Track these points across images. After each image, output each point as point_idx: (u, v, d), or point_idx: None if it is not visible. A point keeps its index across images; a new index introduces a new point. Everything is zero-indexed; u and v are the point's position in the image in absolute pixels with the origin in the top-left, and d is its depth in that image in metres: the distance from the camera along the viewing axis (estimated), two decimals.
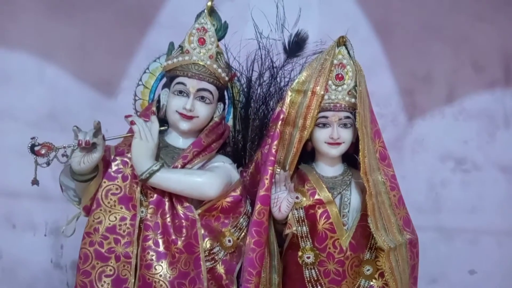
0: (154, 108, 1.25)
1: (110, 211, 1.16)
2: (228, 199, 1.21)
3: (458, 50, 1.85)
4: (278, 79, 1.44)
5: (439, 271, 1.86)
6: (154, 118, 1.19)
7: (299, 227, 1.22)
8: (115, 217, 1.15)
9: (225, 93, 1.36)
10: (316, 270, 1.20)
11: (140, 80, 1.34)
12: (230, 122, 1.39)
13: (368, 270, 1.21)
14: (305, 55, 1.45)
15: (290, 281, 1.26)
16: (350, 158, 1.31)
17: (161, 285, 1.10)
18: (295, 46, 1.42)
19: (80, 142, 1.07)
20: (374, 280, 1.22)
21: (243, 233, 1.23)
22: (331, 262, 1.20)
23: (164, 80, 1.31)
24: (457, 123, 1.87)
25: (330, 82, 1.21)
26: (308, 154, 1.32)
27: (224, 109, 1.34)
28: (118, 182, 1.17)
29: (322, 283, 1.20)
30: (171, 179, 1.13)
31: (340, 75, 1.21)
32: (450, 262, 1.88)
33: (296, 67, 1.45)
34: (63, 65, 1.78)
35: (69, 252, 1.80)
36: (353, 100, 1.22)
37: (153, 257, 1.11)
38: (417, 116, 1.86)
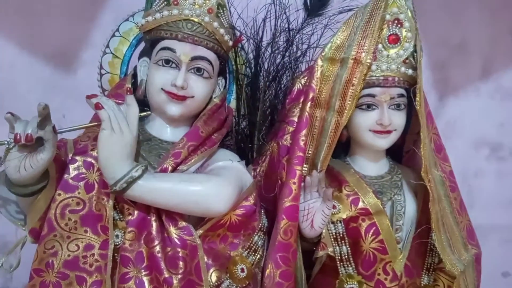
0: (129, 85, 0.88)
1: (69, 237, 0.80)
2: (239, 212, 0.86)
3: (497, 17, 1.57)
4: (294, 46, 1.09)
5: None
6: (131, 99, 0.82)
7: (337, 247, 0.90)
8: (77, 246, 0.80)
9: (227, 64, 1.01)
10: None
11: (107, 46, 0.99)
12: (232, 105, 1.05)
13: None
14: (328, 14, 1.10)
15: None
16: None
17: None
18: (318, 1, 1.07)
19: (18, 137, 0.71)
20: None
21: (259, 256, 0.89)
22: None
23: (142, 46, 0.96)
24: (494, 103, 1.60)
25: (380, 46, 0.88)
26: (338, 146, 0.98)
27: (225, 86, 0.99)
28: (79, 193, 0.81)
29: None
30: (160, 189, 0.78)
31: (394, 36, 0.88)
32: (483, 263, 1.62)
33: (317, 30, 1.10)
34: (5, 33, 1.36)
35: (21, 274, 1.41)
36: (410, 71, 0.90)
37: None
38: (449, 94, 1.57)
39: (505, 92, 1.61)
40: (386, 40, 0.88)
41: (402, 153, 1.04)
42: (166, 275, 0.77)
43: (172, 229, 0.80)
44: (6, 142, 0.73)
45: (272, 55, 1.07)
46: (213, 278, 0.82)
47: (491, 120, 1.61)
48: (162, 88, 0.86)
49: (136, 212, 0.80)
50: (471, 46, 1.57)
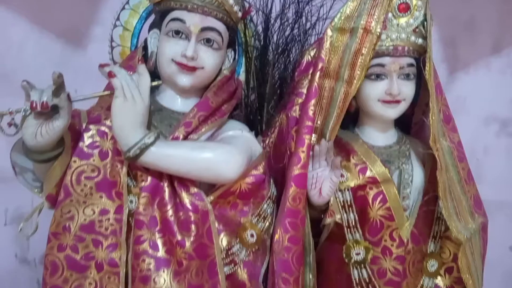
0: (140, 56, 0.90)
1: (85, 202, 0.82)
2: (248, 180, 0.88)
3: None
4: (303, 18, 1.09)
5: None
6: (142, 69, 0.83)
7: (345, 215, 0.92)
8: (93, 210, 0.82)
9: (236, 36, 1.01)
10: (368, 270, 0.92)
11: (118, 19, 0.99)
12: (242, 77, 1.05)
13: (433, 265, 0.95)
14: None
15: (329, 283, 0.97)
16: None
17: None
18: None
19: (34, 105, 0.73)
20: (439, 278, 0.96)
21: (268, 223, 0.91)
22: (388, 258, 0.92)
23: (152, 18, 0.96)
24: (504, 78, 1.59)
25: (390, 15, 0.88)
26: (347, 117, 0.99)
27: (234, 58, 0.99)
28: (94, 160, 0.84)
29: (376, 286, 0.92)
30: (173, 156, 0.80)
31: (404, 5, 0.88)
32: (490, 238, 1.64)
33: (327, 2, 1.10)
34: (16, 8, 1.37)
35: (38, 244, 1.46)
36: (420, 41, 0.90)
37: (151, 266, 0.79)
38: (459, 70, 1.57)
39: None
40: (396, 9, 0.88)
41: (411, 124, 1.05)
42: (179, 238, 0.80)
43: (184, 195, 0.82)
44: (22, 110, 0.75)
45: (281, 27, 1.07)
46: (224, 242, 0.85)
47: (501, 96, 1.60)
48: (172, 59, 0.87)
49: (149, 178, 0.82)
50: (481, 23, 1.56)
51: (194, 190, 0.83)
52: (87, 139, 0.84)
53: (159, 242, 0.80)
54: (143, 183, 0.83)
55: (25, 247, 1.51)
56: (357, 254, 0.91)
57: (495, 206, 1.62)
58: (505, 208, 1.64)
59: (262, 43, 1.08)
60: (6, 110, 0.75)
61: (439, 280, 0.95)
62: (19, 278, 1.51)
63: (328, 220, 0.92)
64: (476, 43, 1.57)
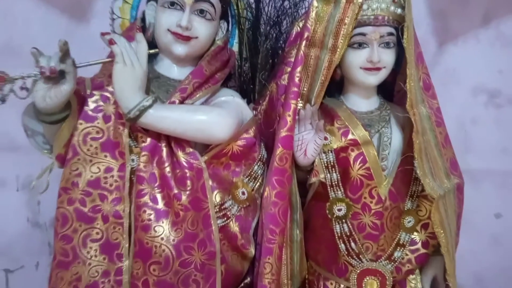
0: (139, 26, 0.96)
1: (91, 161, 0.91)
2: (240, 143, 0.96)
3: None
4: None
5: (464, 216, 1.70)
6: (140, 37, 0.90)
7: (328, 174, 1.00)
8: (98, 168, 0.91)
9: (229, 9, 1.07)
10: (349, 224, 1.00)
11: None
12: (235, 48, 1.12)
13: (410, 221, 1.02)
14: None
15: (315, 237, 1.06)
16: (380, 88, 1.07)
17: (163, 250, 0.87)
18: None
19: (43, 70, 0.81)
20: (415, 233, 1.03)
21: (258, 183, 1.00)
22: (367, 214, 0.99)
23: None
24: (493, 50, 1.62)
25: None
26: (334, 84, 1.06)
27: (227, 30, 1.06)
28: (98, 123, 0.92)
29: (356, 239, 1.00)
30: (169, 117, 0.88)
31: None
32: (476, 205, 1.70)
33: None
34: None
35: (48, 209, 1.56)
36: (399, 10, 0.95)
37: (151, 216, 0.88)
38: (448, 42, 1.60)
39: (505, 40, 1.62)
40: None
41: (393, 92, 1.11)
42: (176, 191, 0.89)
43: (180, 154, 0.91)
44: (33, 75, 0.83)
45: (271, 1, 1.13)
46: (217, 198, 0.94)
47: (490, 67, 1.63)
48: (168, 29, 0.94)
49: (148, 139, 0.91)
50: None
51: (189, 150, 0.92)
52: (91, 104, 0.92)
53: (158, 196, 0.89)
54: (143, 144, 0.91)
55: (36, 211, 1.60)
56: (339, 210, 0.99)
57: (482, 174, 1.70)
58: (491, 176, 1.71)
59: (254, 15, 1.14)
60: (18, 75, 0.83)
61: (415, 235, 1.02)
62: (31, 240, 1.60)
63: (313, 179, 0.99)
64: (466, 15, 1.59)
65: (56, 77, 0.82)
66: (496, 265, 1.72)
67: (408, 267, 1.02)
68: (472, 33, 1.61)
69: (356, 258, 1.00)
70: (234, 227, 0.96)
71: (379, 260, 1.00)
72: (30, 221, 1.60)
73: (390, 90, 1.10)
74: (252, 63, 1.16)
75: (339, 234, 1.00)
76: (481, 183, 1.71)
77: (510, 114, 1.67)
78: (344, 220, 1.00)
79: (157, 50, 0.96)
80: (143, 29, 0.98)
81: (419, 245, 1.02)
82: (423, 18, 1.58)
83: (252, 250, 0.97)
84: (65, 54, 0.82)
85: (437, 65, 1.61)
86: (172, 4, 0.93)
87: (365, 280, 1.00)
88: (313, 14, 0.97)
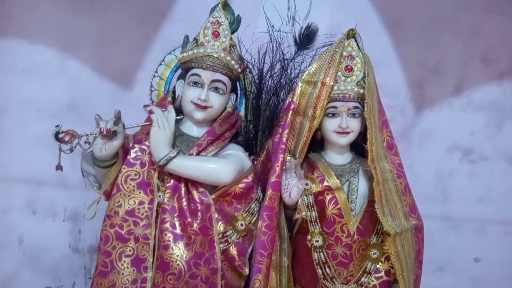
0: (169, 99, 1.31)
1: (129, 195, 1.21)
2: (241, 185, 1.26)
3: (468, 43, 1.86)
4: (288, 71, 1.49)
5: (446, 259, 1.90)
6: (171, 108, 1.25)
7: (309, 212, 1.27)
8: (134, 201, 1.21)
9: (238, 84, 1.40)
10: (325, 253, 1.26)
11: (156, 71, 1.39)
12: (242, 112, 1.44)
13: (375, 253, 1.26)
14: (315, 48, 1.49)
15: (299, 264, 1.32)
16: (358, 148, 1.36)
17: (178, 265, 1.16)
18: (306, 39, 1.46)
19: (102, 130, 1.13)
20: (380, 263, 1.26)
21: (255, 218, 1.28)
22: (339, 245, 1.25)
23: (179, 72, 1.36)
24: (465, 115, 1.89)
25: (339, 73, 1.26)
26: (317, 143, 1.36)
27: (236, 99, 1.39)
28: (136, 168, 1.23)
29: (330, 265, 1.25)
30: (188, 165, 1.19)
31: (349, 67, 1.25)
32: (457, 250, 1.91)
33: (306, 59, 1.49)
34: (83, 58, 1.84)
35: (87, 237, 1.88)
36: (361, 90, 1.26)
37: (171, 238, 1.17)
38: (425, 107, 1.88)
39: (476, 106, 1.89)
40: (344, 70, 1.25)
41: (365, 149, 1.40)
42: (189, 220, 1.18)
43: (194, 192, 1.21)
44: (94, 133, 1.16)
45: (271, 78, 1.47)
46: (221, 227, 1.23)
47: (463, 129, 1.90)
48: (191, 101, 1.27)
49: (172, 180, 1.22)
50: (445, 68, 1.88)
51: (201, 189, 1.22)
52: (132, 153, 1.24)
53: (177, 223, 1.19)
54: (167, 184, 1.22)
55: (77, 239, 1.91)
56: (317, 241, 1.26)
57: (461, 221, 1.92)
58: (469, 223, 1.92)
59: (257, 88, 1.48)
60: (83, 133, 1.17)
61: (379, 265, 1.26)
62: (71, 263, 1.90)
63: (297, 216, 1.27)
64: (440, 85, 1.88)
65: (110, 135, 1.15)
66: None
67: None
68: (446, 101, 1.89)
69: (330, 281, 1.25)
70: (233, 251, 1.23)
71: (349, 284, 1.25)
72: (71, 247, 1.90)
73: (362, 148, 1.39)
74: (255, 125, 1.49)
75: (317, 261, 1.26)
76: (460, 229, 1.92)
77: (483, 169, 1.90)
78: (321, 250, 1.26)
79: (182, 116, 1.30)
80: (173, 99, 1.33)
81: (382, 273, 1.26)
82: (402, 87, 1.88)
83: (246, 270, 1.24)
84: (118, 119, 1.16)
85: (416, 126, 1.89)
86: (195, 83, 1.27)
87: None
88: (298, 91, 1.29)
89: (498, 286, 1.91)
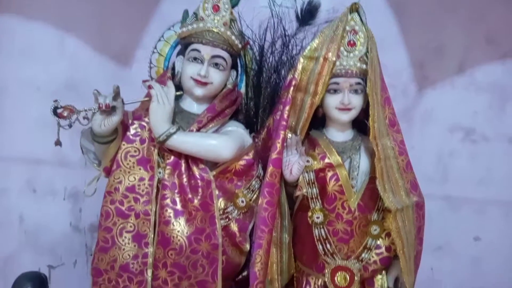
0: (169, 74, 1.29)
1: (129, 172, 1.21)
2: (241, 162, 1.25)
3: (471, 23, 1.84)
4: (290, 47, 1.47)
5: (445, 239, 1.91)
6: (170, 83, 1.23)
7: (309, 189, 1.26)
8: (134, 178, 1.21)
9: (238, 61, 1.38)
10: (325, 229, 1.26)
11: (155, 48, 1.36)
12: (242, 90, 1.42)
13: (375, 230, 1.26)
14: (317, 24, 1.46)
15: (300, 241, 1.32)
16: (360, 124, 1.35)
17: (179, 240, 1.16)
18: (308, 14, 1.44)
19: (101, 105, 1.12)
20: (380, 239, 1.26)
21: (255, 195, 1.28)
22: (340, 222, 1.25)
23: (179, 48, 1.34)
24: (467, 94, 1.88)
25: (342, 48, 1.23)
26: (319, 120, 1.35)
27: (237, 76, 1.37)
28: (136, 144, 1.22)
29: (331, 241, 1.26)
30: (188, 141, 1.18)
31: (352, 42, 1.23)
32: (456, 230, 1.92)
33: (308, 36, 1.47)
34: (82, 37, 1.83)
35: (88, 216, 1.89)
36: (364, 66, 1.24)
37: (171, 214, 1.17)
38: (427, 87, 1.87)
39: (478, 86, 1.88)
40: (346, 45, 1.23)
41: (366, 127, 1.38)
42: (190, 196, 1.18)
43: (195, 168, 1.21)
44: (93, 108, 1.15)
45: (272, 54, 1.45)
46: (222, 204, 1.22)
47: (465, 109, 1.89)
48: (191, 77, 1.25)
49: (172, 157, 1.21)
50: (448, 48, 1.86)
51: (202, 166, 1.21)
52: (132, 130, 1.23)
53: (177, 199, 1.18)
54: (167, 160, 1.21)
55: (78, 217, 1.92)
56: (318, 218, 1.25)
57: (461, 202, 1.93)
58: (469, 203, 1.92)
59: (258, 65, 1.46)
60: (82, 109, 1.15)
61: (380, 241, 1.26)
62: (72, 242, 1.91)
63: (298, 192, 1.26)
64: (443, 65, 1.86)
65: (109, 111, 1.14)
66: (475, 284, 1.90)
67: (374, 267, 1.26)
68: (448, 80, 1.88)
69: (331, 257, 1.26)
70: (234, 227, 1.24)
71: (349, 259, 1.25)
72: (72, 225, 1.91)
73: (364, 125, 1.38)
74: (256, 102, 1.47)
75: (318, 237, 1.26)
76: (460, 209, 1.92)
77: (485, 149, 1.90)
78: (321, 226, 1.26)
79: (181, 92, 1.28)
80: (173, 76, 1.31)
81: (383, 249, 1.26)
82: (405, 67, 1.86)
83: (247, 246, 1.25)
84: (117, 94, 1.15)
85: (418, 106, 1.88)
86: (195, 59, 1.25)
87: (337, 274, 1.25)
88: (299, 67, 1.27)
89: (497, 266, 1.92)
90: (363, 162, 1.28)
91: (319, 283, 1.29)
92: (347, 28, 1.23)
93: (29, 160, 1.85)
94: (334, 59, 1.23)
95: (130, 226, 1.19)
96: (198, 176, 1.20)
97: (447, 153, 1.91)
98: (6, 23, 1.80)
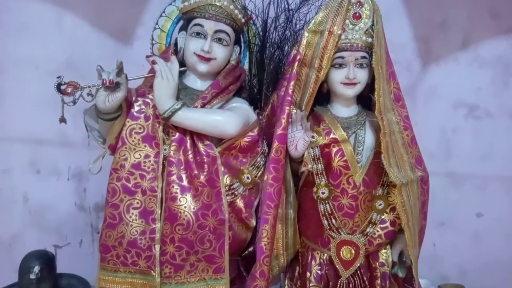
0: (172, 50, 1.28)
1: (134, 149, 1.21)
2: (246, 139, 1.25)
3: None
4: (293, 22, 1.44)
5: (447, 215, 1.93)
6: (174, 59, 1.22)
7: (315, 165, 1.27)
8: (140, 155, 1.21)
9: (241, 36, 1.37)
10: (331, 205, 1.26)
11: (157, 24, 1.35)
12: (246, 66, 1.41)
13: (380, 204, 1.27)
14: None
15: (305, 216, 1.33)
16: (364, 100, 1.34)
17: (186, 215, 1.17)
18: None
19: (104, 81, 1.11)
20: (385, 214, 1.27)
21: (260, 172, 1.28)
22: (345, 197, 1.26)
23: (181, 23, 1.32)
24: (472, 70, 1.86)
25: (347, 21, 1.22)
26: (323, 96, 1.34)
27: (240, 52, 1.36)
28: (140, 121, 1.22)
29: (336, 216, 1.26)
30: (193, 117, 1.18)
31: (357, 14, 1.21)
32: (458, 206, 1.94)
33: (312, 10, 1.44)
34: (81, 14, 1.80)
35: (92, 195, 1.89)
36: (369, 39, 1.23)
37: (178, 190, 1.18)
38: (431, 63, 1.86)
39: (482, 61, 1.86)
40: (352, 17, 1.21)
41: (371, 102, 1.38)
42: (196, 172, 1.18)
43: (200, 145, 1.20)
44: (97, 85, 1.14)
45: (275, 30, 1.43)
46: (227, 180, 1.23)
47: (469, 85, 1.88)
48: (194, 52, 1.24)
49: (177, 133, 1.21)
50: (452, 23, 1.84)
51: (207, 142, 1.21)
52: (136, 107, 1.22)
53: (183, 175, 1.18)
54: (173, 137, 1.21)
55: (83, 197, 1.92)
56: (323, 193, 1.26)
57: (464, 178, 1.94)
58: (471, 179, 1.93)
59: (261, 41, 1.44)
60: (86, 85, 1.15)
61: (384, 216, 1.27)
62: (77, 222, 1.93)
63: (303, 168, 1.27)
64: (447, 40, 1.84)
65: (113, 87, 1.13)
66: (477, 259, 1.93)
67: (378, 241, 1.27)
68: (452, 56, 1.86)
69: (336, 232, 1.27)
70: (240, 203, 1.24)
71: (354, 234, 1.26)
72: (77, 205, 1.92)
73: (369, 101, 1.38)
74: (259, 79, 1.46)
75: (323, 213, 1.27)
76: (462, 185, 1.93)
77: (488, 125, 1.90)
78: (326, 201, 1.26)
79: (185, 68, 1.27)
80: (176, 52, 1.29)
81: (388, 224, 1.27)
82: (409, 42, 1.84)
83: (253, 222, 1.25)
84: (120, 70, 1.14)
85: (422, 82, 1.87)
86: (198, 34, 1.24)
87: (343, 248, 1.26)
88: (304, 42, 1.26)
89: (499, 242, 1.94)
90: (368, 137, 1.28)
91: (324, 258, 1.30)
92: (353, 0, 1.21)
93: (31, 140, 1.84)
94: (339, 32, 1.21)
95: (137, 203, 1.20)
96: (203, 153, 1.20)
97: (451, 130, 1.91)
98: (2, 0, 1.76)
